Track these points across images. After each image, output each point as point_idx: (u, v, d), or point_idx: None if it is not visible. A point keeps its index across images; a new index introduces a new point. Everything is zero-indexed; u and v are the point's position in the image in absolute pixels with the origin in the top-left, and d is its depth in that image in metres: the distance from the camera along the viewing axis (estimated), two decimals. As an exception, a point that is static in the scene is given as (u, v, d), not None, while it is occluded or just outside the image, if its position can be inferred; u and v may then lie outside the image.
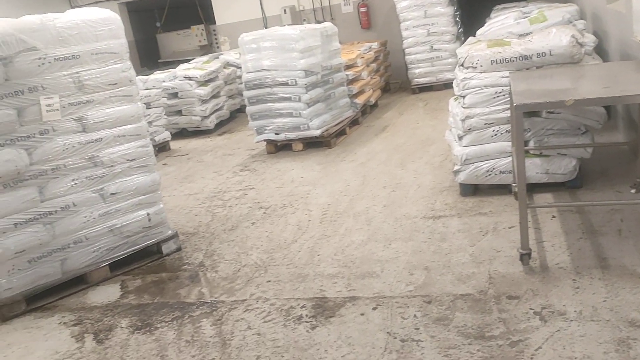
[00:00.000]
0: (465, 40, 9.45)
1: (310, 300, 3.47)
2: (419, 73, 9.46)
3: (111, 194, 4.12)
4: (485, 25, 5.69)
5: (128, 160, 4.17)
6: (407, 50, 9.45)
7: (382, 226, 4.36)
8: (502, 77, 4.29)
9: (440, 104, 8.43)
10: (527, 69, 4.23)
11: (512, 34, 5.00)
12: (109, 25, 4.01)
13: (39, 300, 3.91)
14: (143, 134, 4.26)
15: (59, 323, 3.65)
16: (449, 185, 4.97)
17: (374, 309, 3.26)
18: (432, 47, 9.29)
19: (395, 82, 10.47)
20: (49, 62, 3.77)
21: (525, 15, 5.69)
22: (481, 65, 4.34)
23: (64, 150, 3.89)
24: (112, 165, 4.10)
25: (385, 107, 8.75)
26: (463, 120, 4.42)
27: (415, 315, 3.12)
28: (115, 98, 4.09)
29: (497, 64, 4.30)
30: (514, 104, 3.23)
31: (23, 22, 3.69)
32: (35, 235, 3.81)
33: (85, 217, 4.01)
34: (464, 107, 4.45)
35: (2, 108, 3.62)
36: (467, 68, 4.43)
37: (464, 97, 4.45)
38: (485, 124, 4.40)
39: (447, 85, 9.43)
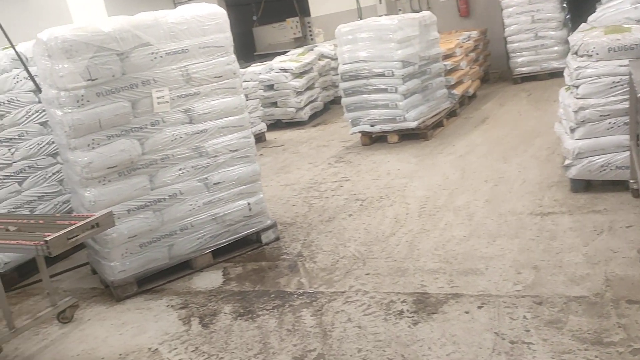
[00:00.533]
0: (572, 27, 8.95)
1: (411, 295, 3.40)
2: (522, 62, 9.03)
3: (215, 184, 4.25)
4: (598, 10, 5.30)
5: (231, 150, 4.29)
6: (509, 39, 9.05)
7: (484, 222, 4.20)
8: (620, 65, 3.99)
9: (545, 94, 8.01)
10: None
11: (629, 20, 4.64)
12: (215, 19, 4.13)
13: (149, 283, 4.12)
14: (245, 125, 4.36)
15: (167, 306, 3.83)
16: (557, 181, 4.70)
17: (480, 307, 3.14)
18: (536, 34, 8.83)
19: (494, 71, 10.06)
20: (161, 57, 3.94)
21: (644, -2, 5.25)
22: (597, 53, 4.05)
23: (172, 140, 4.06)
24: (216, 156, 4.23)
25: (485, 98, 8.43)
26: (576, 112, 4.15)
27: (524, 317, 2.97)
28: (220, 90, 4.21)
29: (615, 51, 4.00)
30: (637, 95, 2.97)
31: (138, 19, 3.87)
32: (146, 221, 4.01)
33: (191, 205, 4.17)
34: (577, 98, 4.18)
35: (119, 100, 3.83)
36: (582, 56, 4.15)
37: (577, 87, 4.18)
38: (601, 115, 4.10)
39: (553, 75, 8.95)
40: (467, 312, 3.12)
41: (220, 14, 4.18)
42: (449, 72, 7.50)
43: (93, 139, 3.80)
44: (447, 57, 7.54)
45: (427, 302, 3.30)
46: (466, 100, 8.11)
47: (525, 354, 2.70)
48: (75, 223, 3.32)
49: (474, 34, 9.03)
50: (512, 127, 6.62)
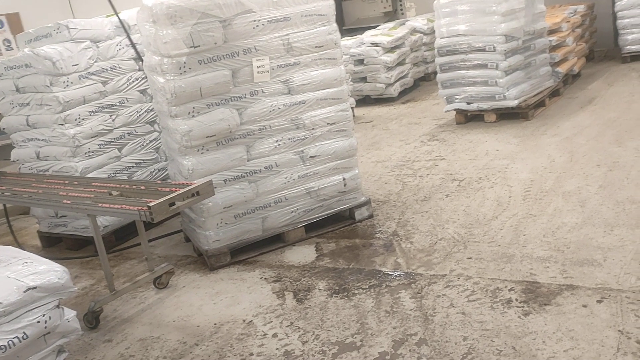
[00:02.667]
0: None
1: (519, 283, 3.17)
2: (633, 39, 8.27)
3: (310, 157, 4.16)
4: None
5: (328, 124, 4.17)
6: (619, 14, 8.31)
7: (599, 209, 3.86)
8: None
9: (660, 74, 7.33)
10: None
11: None
12: (318, -14, 3.98)
13: (242, 254, 4.11)
14: (344, 98, 4.22)
15: (260, 278, 3.80)
16: (682, 168, 4.26)
17: (599, 302, 2.87)
18: (651, 9, 8.06)
19: (600, 49, 9.33)
20: (263, 25, 3.85)
21: None
22: None
23: (270, 111, 3.98)
24: (313, 128, 4.13)
25: (591, 77, 7.83)
26: None
27: (653, 316, 2.68)
28: (321, 61, 4.08)
29: None
30: None
31: (241, -15, 3.79)
32: (242, 192, 3.98)
33: (286, 177, 4.10)
34: None
35: (220, 69, 3.79)
36: None
37: None
38: None
39: (668, 54, 8.18)
40: (584, 306, 2.86)
41: (324, -20, 4.03)
42: (553, 48, 6.99)
43: (193, 107, 3.79)
44: (552, 32, 7.02)
45: (537, 292, 3.06)
46: (570, 79, 7.55)
47: (657, 357, 2.43)
48: (177, 190, 3.33)
49: (581, 8, 8.37)
50: (624, 108, 6.08)
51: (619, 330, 2.63)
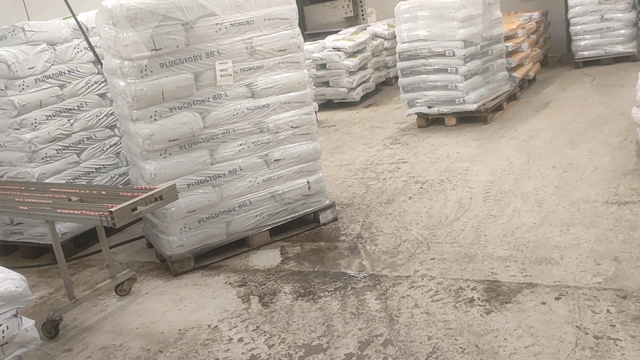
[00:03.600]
0: (642, 8, 8.46)
1: (481, 282, 3.24)
2: (585, 45, 8.58)
3: (275, 160, 4.15)
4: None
5: (292, 127, 4.17)
6: (572, 20, 8.60)
7: (556, 209, 3.98)
8: None
9: (611, 79, 7.61)
10: None
11: None
12: (281, -10, 3.99)
13: (206, 259, 4.07)
14: (307, 101, 4.24)
15: (225, 283, 3.77)
16: (633, 169, 4.43)
17: (557, 299, 2.96)
18: (602, 16, 8.36)
19: (554, 55, 9.64)
20: (225, 28, 3.83)
21: None
22: (690, 31, 3.74)
23: (234, 115, 3.96)
24: (277, 132, 4.13)
25: (545, 82, 8.07)
26: (662, 95, 3.87)
27: (608, 311, 2.78)
28: (284, 64, 4.08)
29: None
30: None
31: (204, -12, 3.77)
32: (205, 197, 3.94)
33: (250, 181, 4.09)
34: (663, 80, 3.89)
35: (182, 72, 3.75)
36: (671, 34, 3.84)
37: (664, 68, 3.89)
38: (690, 99, 3.81)
39: (617, 60, 8.49)
40: (543, 303, 2.94)
41: (286, -16, 4.04)
42: (509, 53, 7.19)
43: (155, 111, 3.74)
44: (508, 38, 7.21)
45: (499, 290, 3.13)
46: (526, 83, 7.78)
47: (612, 350, 2.52)
48: (139, 195, 3.28)
49: (536, 15, 8.63)
50: (578, 112, 6.30)
51: (577, 326, 2.72)
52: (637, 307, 2.77)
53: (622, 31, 8.37)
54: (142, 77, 3.65)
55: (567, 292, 3.00)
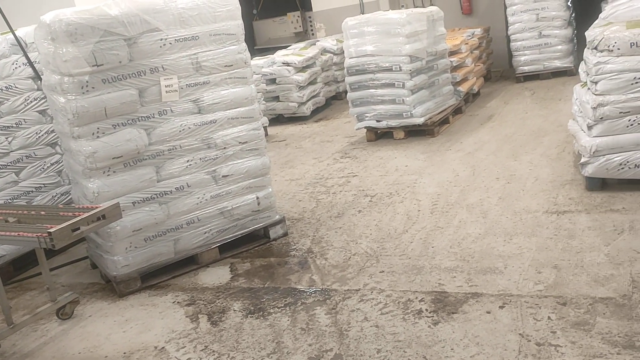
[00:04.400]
0: (577, 26, 8.88)
1: (429, 294, 3.28)
2: (525, 61, 8.94)
3: (223, 176, 4.11)
4: (608, 8, 5.20)
5: (240, 142, 4.15)
6: (512, 37, 8.95)
7: (499, 219, 4.09)
8: (643, 61, 3.89)
9: (549, 93, 7.94)
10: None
11: (646, 15, 4.54)
12: (227, 6, 3.99)
13: (153, 278, 3.97)
14: (255, 117, 4.22)
15: (173, 302, 3.68)
16: (570, 179, 4.60)
17: (501, 307, 3.03)
18: (540, 33, 8.74)
19: (496, 70, 9.99)
20: (170, 43, 3.79)
21: (655, -3, 5.17)
22: (618, 49, 3.95)
23: (180, 131, 3.91)
24: (224, 148, 4.09)
25: (489, 96, 8.34)
26: (595, 108, 4.05)
27: (549, 318, 2.86)
28: (231, 80, 4.06)
29: (637, 46, 3.90)
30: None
31: (147, 3, 3.72)
32: (152, 215, 3.86)
33: (198, 198, 4.03)
34: (595, 94, 4.08)
35: (126, 88, 3.68)
36: (602, 51, 4.04)
37: (596, 83, 4.08)
38: (620, 112, 4.01)
39: (555, 74, 8.88)
40: (488, 312, 3.01)
41: (232, 0, 4.03)
42: (454, 68, 7.40)
43: (98, 128, 3.65)
44: (452, 53, 7.43)
45: (446, 301, 3.18)
46: (470, 97, 8.01)
47: (554, 356, 2.59)
48: (81, 214, 3.17)
49: (478, 31, 8.93)
50: (519, 125, 6.53)
51: (520, 334, 2.79)
52: (576, 314, 2.87)
53: (560, 47, 8.76)
54: (83, 93, 3.55)
55: (510, 301, 3.08)
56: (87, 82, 3.55)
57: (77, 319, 3.66)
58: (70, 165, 4.02)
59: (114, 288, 3.89)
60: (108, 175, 3.71)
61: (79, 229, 3.12)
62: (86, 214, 3.17)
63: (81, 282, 4.23)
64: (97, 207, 3.28)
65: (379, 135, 6.86)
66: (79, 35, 3.48)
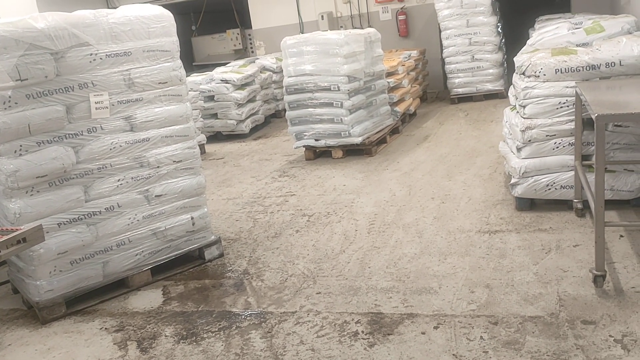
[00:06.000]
0: (507, 51, 9.27)
1: (365, 315, 3.28)
2: (459, 83, 9.24)
3: (156, 196, 3.98)
4: (535, 35, 5.45)
5: (174, 161, 4.04)
6: (447, 60, 9.24)
7: (434, 239, 4.16)
8: (567, 87, 4.08)
9: (482, 115, 8.22)
10: (588, 80, 4.02)
11: (570, 44, 4.78)
12: (161, 22, 3.90)
13: (79, 303, 3.78)
14: (190, 135, 4.13)
15: (100, 328, 3.51)
16: (501, 199, 4.75)
17: (436, 327, 3.06)
18: (473, 56, 9.08)
19: (432, 91, 10.27)
20: (101, 59, 3.66)
21: (577, 26, 5.46)
22: (544, 74, 4.13)
23: (111, 149, 3.77)
24: (158, 167, 3.97)
25: (425, 117, 8.54)
26: (523, 131, 4.21)
27: (482, 337, 2.91)
28: (165, 97, 3.96)
29: (562, 73, 4.08)
30: (595, 115, 3.01)
31: (76, 17, 3.58)
32: (79, 236, 3.68)
33: (129, 218, 3.88)
34: (524, 117, 4.24)
35: (52, 104, 3.51)
36: (529, 77, 4.22)
37: (524, 106, 4.24)
38: (547, 135, 4.18)
39: (487, 97, 9.23)
40: (423, 333, 3.03)
41: (167, 16, 3.95)
42: (391, 89, 7.54)
43: (21, 145, 3.46)
44: (389, 74, 7.58)
45: (382, 322, 3.18)
46: (407, 118, 8.18)
47: (486, 376, 2.63)
48: (0, 237, 2.98)
49: (414, 53, 9.17)
50: (453, 145, 6.71)
51: (454, 354, 2.82)
52: (507, 333, 2.93)
53: (491, 70, 9.12)
54: (6, 109, 3.36)
55: (444, 321, 3.11)
56: (9, 97, 3.37)
57: (-5, 348, 3.43)
58: (-10, 184, 3.79)
59: (37, 314, 3.67)
60: (31, 195, 3.52)
61: (-3, 252, 2.92)
62: (5, 237, 2.97)
63: (1, 309, 3.97)
64: (17, 230, 3.08)
65: (318, 154, 6.88)
66: (2, 48, 3.30)
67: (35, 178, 3.49)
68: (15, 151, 3.45)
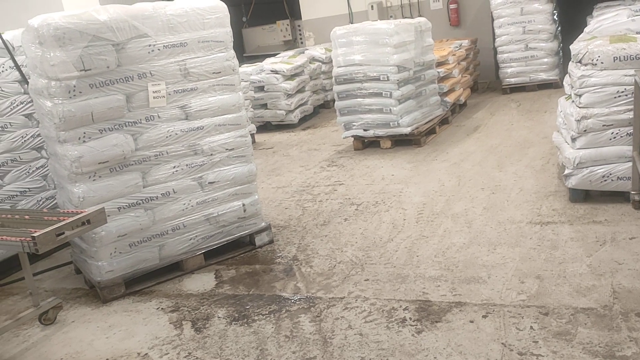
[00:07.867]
0: (563, 39, 9.01)
1: (413, 302, 3.30)
2: (511, 73, 9.05)
3: (209, 183, 4.11)
4: (593, 22, 5.30)
5: (227, 149, 4.15)
6: (499, 49, 9.06)
7: (484, 229, 4.13)
8: (625, 75, 3.96)
9: (535, 105, 8.03)
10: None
11: (630, 31, 4.63)
12: (216, 13, 4.00)
13: (137, 284, 3.95)
14: (242, 124, 4.23)
15: (157, 308, 3.67)
16: (554, 190, 4.66)
17: (484, 317, 3.05)
18: (527, 45, 8.86)
19: (483, 81, 10.09)
20: (158, 49, 3.79)
21: (638, 13, 5.28)
22: (602, 62, 4.02)
23: (167, 137, 3.91)
24: (211, 154, 4.09)
25: (475, 107, 8.42)
26: (578, 121, 4.11)
27: (532, 327, 2.89)
28: (219, 87, 4.07)
29: (620, 60, 3.97)
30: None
31: (136, 9, 3.72)
32: (137, 220, 3.85)
33: (184, 204, 4.02)
34: (579, 107, 4.14)
35: (113, 93, 3.68)
36: (586, 65, 4.11)
37: (580, 96, 4.14)
38: (604, 125, 4.07)
39: (541, 86, 9.00)
40: (472, 322, 3.03)
41: (221, 7, 4.05)
42: (441, 79, 7.46)
43: (84, 132, 3.64)
44: (440, 64, 7.49)
45: (429, 310, 3.20)
46: (457, 108, 8.08)
47: (535, 366, 2.62)
48: (65, 219, 3.16)
49: (465, 43, 9.03)
50: (505, 136, 6.60)
51: (502, 343, 2.81)
52: (558, 324, 2.90)
53: (545, 59, 8.88)
54: (70, 97, 3.54)
55: (493, 310, 3.10)
56: (74, 86, 3.54)
57: (60, 324, 3.63)
58: (56, 169, 4.00)
59: (98, 294, 3.86)
60: (94, 180, 3.70)
61: (63, 233, 3.10)
62: (71, 219, 3.15)
63: (65, 288, 4.19)
64: (82, 212, 3.26)
65: (366, 144, 6.89)
66: (67, 39, 3.48)
67: (98, 164, 3.67)
68: (79, 138, 3.63)
